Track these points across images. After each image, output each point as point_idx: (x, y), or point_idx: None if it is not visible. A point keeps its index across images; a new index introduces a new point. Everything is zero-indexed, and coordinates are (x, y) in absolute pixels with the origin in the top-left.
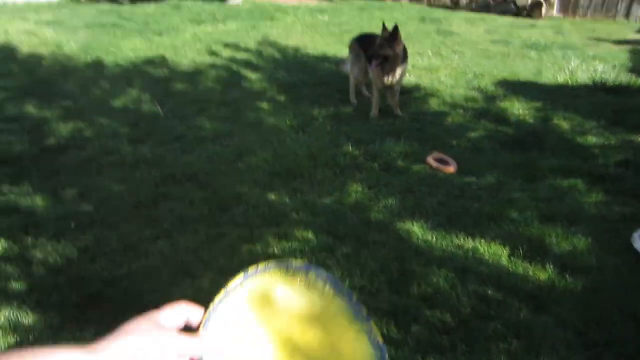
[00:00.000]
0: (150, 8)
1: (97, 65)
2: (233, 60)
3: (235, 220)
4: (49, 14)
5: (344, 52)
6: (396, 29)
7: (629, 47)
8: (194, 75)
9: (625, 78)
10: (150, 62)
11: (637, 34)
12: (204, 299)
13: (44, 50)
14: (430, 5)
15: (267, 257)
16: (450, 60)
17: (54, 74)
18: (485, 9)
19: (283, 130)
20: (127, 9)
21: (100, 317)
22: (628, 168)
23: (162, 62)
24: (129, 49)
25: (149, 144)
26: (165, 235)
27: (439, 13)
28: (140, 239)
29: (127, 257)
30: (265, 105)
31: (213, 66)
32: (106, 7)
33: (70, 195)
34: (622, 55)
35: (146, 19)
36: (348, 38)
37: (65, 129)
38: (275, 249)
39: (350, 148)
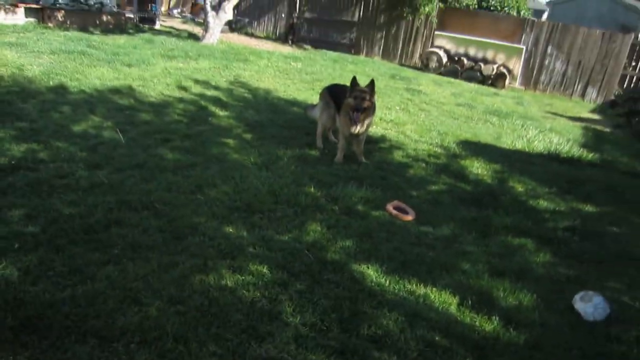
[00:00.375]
0: (122, 40)
1: (59, 90)
2: (202, 96)
3: (190, 250)
4: (12, 36)
5: (313, 98)
6: (372, 82)
7: (582, 124)
8: (161, 107)
9: (577, 151)
10: (116, 90)
11: (590, 113)
12: (149, 328)
13: (2, 71)
14: (401, 64)
15: (219, 288)
16: (416, 117)
17: (11, 94)
18: (453, 74)
19: (246, 166)
20: (97, 38)
21: (36, 342)
22: (574, 233)
23: (128, 92)
24: (94, 76)
25: (106, 169)
26: (114, 260)
27: (409, 72)
28: (87, 263)
29: (72, 281)
30: (230, 141)
31: (181, 100)
32: (75, 34)
33: (17, 216)
34: (576, 130)
35: (116, 50)
36: (319, 86)
37: (17, 149)
38: (228, 282)
39: (313, 189)
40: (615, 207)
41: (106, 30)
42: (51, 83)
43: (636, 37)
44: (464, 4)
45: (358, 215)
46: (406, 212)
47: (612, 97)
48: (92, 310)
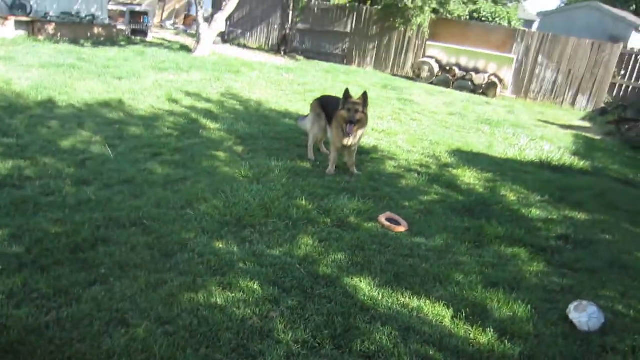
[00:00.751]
0: (113, 52)
1: (48, 104)
2: (193, 108)
3: (179, 267)
4: (1, 50)
5: (305, 109)
6: (365, 94)
7: (573, 132)
8: (151, 120)
9: (568, 159)
10: (105, 104)
11: (580, 121)
12: (136, 350)
13: None
14: (393, 74)
15: (208, 307)
16: (408, 126)
17: None
18: (445, 83)
19: (237, 180)
20: (87, 51)
21: None
22: (567, 242)
23: (118, 105)
24: (84, 90)
25: (94, 185)
26: (101, 280)
27: (401, 82)
28: (72, 284)
29: (57, 303)
30: (221, 154)
31: (171, 113)
32: (65, 47)
33: (0, 236)
34: (567, 138)
35: (107, 63)
36: (311, 97)
37: (3, 166)
38: (218, 299)
39: (304, 201)
40: (608, 214)
41: (97, 42)
42: (40, 97)
43: (625, 47)
44: (456, 15)
45: (350, 227)
46: (398, 224)
47: (602, 105)
48: (77, 334)
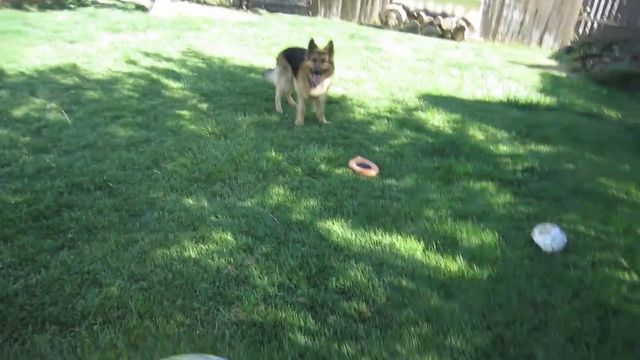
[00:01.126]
0: (62, 16)
1: None
2: (153, 69)
3: (149, 226)
4: None
5: (271, 63)
6: (331, 43)
7: (540, 71)
8: (109, 83)
9: (535, 97)
10: (58, 70)
11: (548, 60)
12: (112, 307)
13: None
14: (360, 23)
15: (182, 260)
16: (376, 74)
17: None
18: (413, 30)
19: (204, 137)
20: (34, 15)
21: None
22: (533, 174)
23: (72, 70)
24: (34, 56)
25: (53, 153)
26: (69, 245)
27: (369, 31)
28: (39, 251)
29: (24, 271)
30: (185, 113)
31: (130, 75)
32: (8, 13)
33: None
34: (534, 77)
35: (56, 27)
36: (276, 51)
37: None
38: (192, 253)
39: (274, 153)
40: (572, 147)
41: (44, 6)
42: None
43: None
44: None
45: (321, 174)
46: (369, 167)
47: (569, 44)
48: (48, 298)
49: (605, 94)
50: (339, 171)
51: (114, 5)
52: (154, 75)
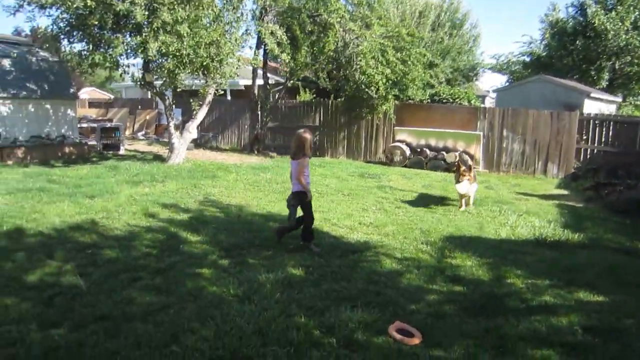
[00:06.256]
0: (84, 170)
1: (13, 234)
2: (171, 221)
3: None
4: None
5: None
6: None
7: (554, 202)
8: (127, 239)
9: (562, 233)
10: (77, 227)
11: (557, 189)
12: None
13: None
14: (367, 161)
15: None
16: (394, 215)
17: None
18: (418, 165)
19: (226, 301)
20: (58, 171)
21: None
22: (596, 335)
23: (90, 226)
24: (54, 214)
25: (64, 327)
26: None
27: (377, 168)
28: None
29: None
30: (206, 271)
31: (149, 229)
32: (35, 170)
33: None
34: (551, 209)
35: (78, 182)
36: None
37: None
38: None
39: (303, 319)
40: (622, 293)
41: (69, 161)
42: (5, 227)
43: (581, 113)
44: (418, 99)
45: (359, 345)
46: (411, 334)
47: (573, 170)
48: None
49: (630, 224)
50: (379, 340)
51: (133, 157)
52: (173, 229)
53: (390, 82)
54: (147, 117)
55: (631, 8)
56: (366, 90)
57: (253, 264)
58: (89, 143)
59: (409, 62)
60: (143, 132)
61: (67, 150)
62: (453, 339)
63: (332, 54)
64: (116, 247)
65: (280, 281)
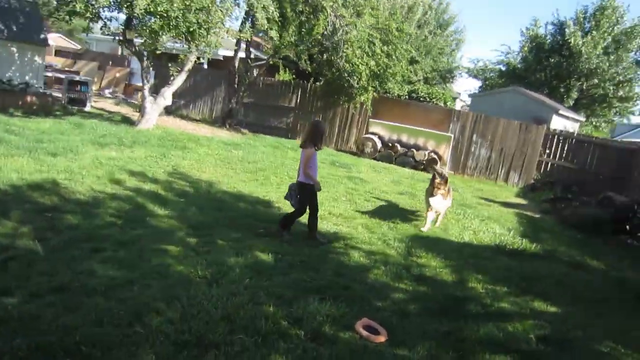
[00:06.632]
0: (47, 124)
1: None
2: (138, 191)
3: None
4: None
5: (259, 190)
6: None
7: (514, 211)
8: (90, 206)
9: (520, 243)
10: (37, 186)
11: (516, 198)
12: None
13: None
14: (337, 149)
15: None
16: (364, 208)
17: None
18: (388, 159)
19: (193, 282)
20: (17, 122)
21: None
22: (548, 343)
23: (52, 187)
24: (11, 168)
25: (18, 296)
26: None
27: (347, 158)
28: None
29: None
30: (173, 249)
31: (114, 196)
32: None
33: None
34: (511, 217)
35: (39, 136)
36: (263, 176)
37: None
38: None
39: (272, 308)
40: (572, 305)
41: (30, 112)
42: None
43: (548, 128)
44: (396, 94)
45: (327, 339)
46: (377, 332)
47: (532, 181)
48: None
49: (581, 239)
50: (345, 335)
51: (100, 115)
52: (139, 199)
53: (373, 73)
54: (117, 75)
55: (605, 34)
56: (348, 78)
57: (222, 246)
58: (53, 95)
59: (394, 57)
60: (111, 90)
61: (29, 99)
62: (416, 339)
63: (319, 37)
64: (78, 213)
65: (249, 266)
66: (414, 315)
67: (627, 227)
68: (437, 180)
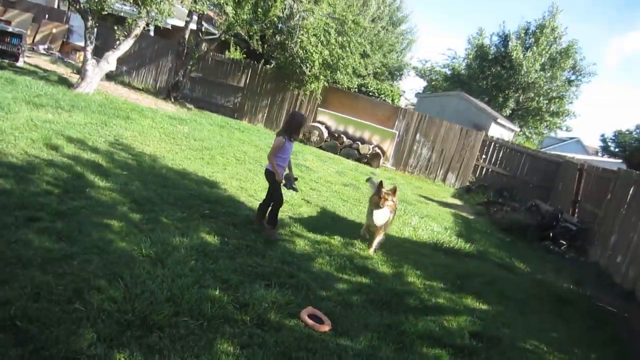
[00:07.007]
0: None
1: None
2: (77, 159)
3: None
4: None
5: (205, 169)
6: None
7: (451, 210)
8: (24, 170)
9: (456, 241)
10: None
11: (453, 198)
12: None
13: None
14: None
15: None
16: (309, 197)
17: None
18: (333, 149)
19: (137, 260)
20: None
21: None
22: (480, 340)
23: None
24: None
25: None
26: None
27: (294, 145)
28: None
29: None
30: (114, 223)
31: (51, 163)
32: None
33: None
34: (447, 216)
35: None
36: (209, 155)
37: None
38: None
39: (218, 292)
40: (502, 304)
41: None
42: None
43: (486, 135)
44: (346, 85)
45: (272, 326)
46: (321, 321)
47: (468, 184)
48: None
49: (509, 241)
50: (290, 323)
51: (34, 73)
52: (78, 168)
53: (325, 63)
54: (54, 31)
55: (543, 51)
56: (300, 65)
57: (166, 224)
58: None
59: (348, 49)
60: (45, 47)
61: None
62: (359, 330)
63: (275, 19)
64: (11, 177)
65: (194, 247)
66: (357, 307)
67: (551, 234)
68: (385, 189)
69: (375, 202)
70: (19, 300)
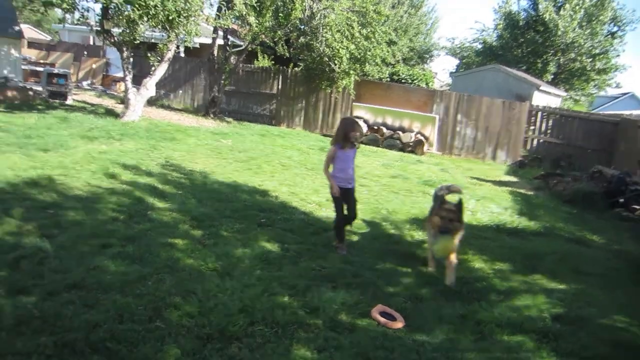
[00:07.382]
0: (31, 119)
1: None
2: (135, 184)
3: None
4: None
5: (254, 180)
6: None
7: (507, 189)
8: (90, 201)
9: (518, 221)
10: (33, 183)
11: (507, 176)
12: None
13: None
14: (323, 134)
15: None
16: (359, 194)
17: None
18: (374, 142)
19: (205, 274)
20: (2, 117)
21: None
22: (563, 322)
23: (49, 184)
24: (5, 166)
25: (35, 294)
26: None
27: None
28: None
29: None
30: (179, 242)
31: (112, 191)
32: None
33: None
34: (505, 196)
35: (27, 132)
36: (255, 165)
37: None
38: None
39: (287, 298)
40: (580, 282)
41: (12, 107)
42: None
43: (531, 104)
44: (377, 77)
45: (345, 328)
46: (394, 318)
47: (520, 158)
48: None
49: (576, 214)
50: (363, 322)
51: (83, 109)
52: (137, 193)
53: (353, 57)
54: (94, 66)
55: (577, 7)
56: (329, 63)
57: (227, 237)
58: (34, 89)
59: (373, 39)
60: (88, 82)
61: (9, 94)
62: (433, 324)
63: (297, 22)
64: (80, 209)
65: (258, 257)
66: (427, 300)
67: (621, 200)
68: (447, 205)
69: (436, 223)
70: (106, 322)
